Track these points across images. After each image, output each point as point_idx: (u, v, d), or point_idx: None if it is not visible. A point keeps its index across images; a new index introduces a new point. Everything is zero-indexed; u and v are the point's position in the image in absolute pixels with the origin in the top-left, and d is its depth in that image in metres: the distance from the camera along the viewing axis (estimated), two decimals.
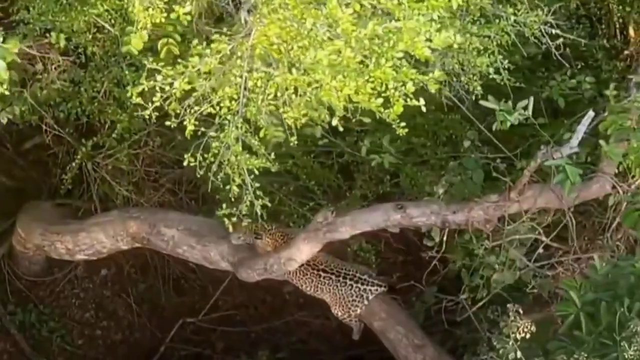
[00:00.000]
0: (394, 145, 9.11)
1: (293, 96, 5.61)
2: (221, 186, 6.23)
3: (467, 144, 7.73)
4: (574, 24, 8.87)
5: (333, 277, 8.07)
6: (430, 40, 5.00)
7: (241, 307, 10.36)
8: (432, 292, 8.50)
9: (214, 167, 5.97)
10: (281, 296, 10.30)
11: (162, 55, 6.56)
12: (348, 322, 8.20)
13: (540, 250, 7.52)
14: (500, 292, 7.63)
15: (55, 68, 8.74)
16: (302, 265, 7.95)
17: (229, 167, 5.89)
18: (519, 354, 5.23)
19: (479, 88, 6.66)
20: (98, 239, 8.56)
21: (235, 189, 6.01)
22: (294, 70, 5.31)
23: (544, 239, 7.48)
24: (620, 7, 9.31)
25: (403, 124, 5.40)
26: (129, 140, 9.40)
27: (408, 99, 5.30)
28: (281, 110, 5.63)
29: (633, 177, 7.34)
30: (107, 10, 7.52)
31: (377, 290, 8.09)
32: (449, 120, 8.83)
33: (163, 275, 10.21)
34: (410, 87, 5.26)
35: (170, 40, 6.64)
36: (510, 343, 5.22)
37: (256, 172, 5.95)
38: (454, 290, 8.29)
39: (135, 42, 6.50)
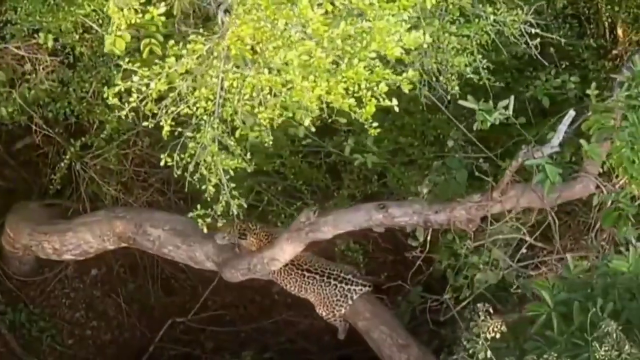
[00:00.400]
0: (382, 145, 9.15)
1: (268, 96, 5.61)
2: (199, 186, 6.26)
3: (450, 143, 7.72)
4: (560, 24, 8.89)
5: (317, 276, 8.07)
6: (402, 41, 4.98)
7: (230, 307, 10.36)
8: (418, 291, 8.50)
9: (191, 168, 5.96)
10: (270, 296, 10.30)
11: (144, 55, 6.58)
12: (333, 322, 8.21)
13: (524, 250, 7.50)
14: (486, 292, 7.63)
15: (43, 68, 8.78)
16: (287, 265, 7.96)
17: (204, 167, 5.88)
18: (489, 353, 5.21)
19: (456, 88, 6.65)
20: (85, 239, 8.59)
21: (211, 189, 6.00)
22: (266, 71, 5.30)
23: (527, 238, 7.47)
24: (609, 7, 9.32)
25: (376, 124, 5.37)
26: (117, 140, 9.43)
27: (381, 99, 5.27)
28: (256, 110, 5.61)
29: (617, 177, 7.33)
30: (94, 11, 7.52)
31: (361, 290, 8.10)
32: (436, 120, 8.85)
33: (153, 275, 10.23)
34: (383, 87, 5.25)
35: (153, 40, 6.67)
36: (480, 343, 5.21)
37: (231, 172, 5.94)
38: (441, 290, 8.29)
39: (118, 43, 6.52)
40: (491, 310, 5.37)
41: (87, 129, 9.55)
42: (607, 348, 4.95)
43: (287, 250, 7.65)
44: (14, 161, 10.30)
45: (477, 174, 7.40)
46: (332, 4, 5.21)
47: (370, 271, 9.45)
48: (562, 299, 5.55)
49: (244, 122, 5.85)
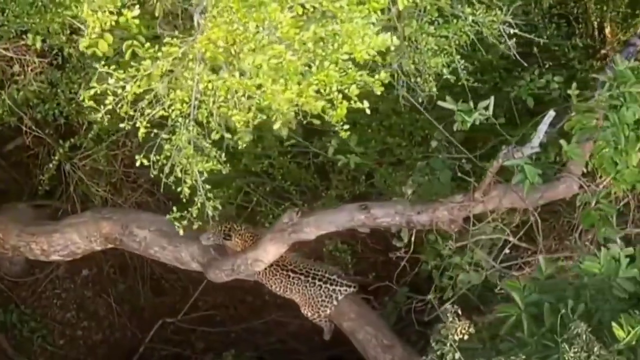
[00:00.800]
0: (369, 145, 9.16)
1: (243, 99, 5.62)
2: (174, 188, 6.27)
3: (434, 144, 7.70)
4: (546, 24, 8.87)
5: (302, 277, 8.08)
6: (370, 43, 4.98)
7: (221, 307, 10.39)
8: (404, 292, 8.49)
9: (167, 169, 5.98)
10: (261, 297, 10.30)
11: (127, 57, 6.60)
12: (318, 323, 8.22)
13: (508, 250, 7.49)
14: (471, 293, 7.63)
15: (32, 69, 8.80)
16: (272, 265, 7.97)
17: (179, 169, 5.89)
18: (457, 355, 5.21)
19: (434, 89, 6.64)
20: (72, 240, 8.59)
21: (186, 190, 6.02)
22: (237, 74, 5.31)
23: (511, 239, 7.46)
24: (598, 7, 9.30)
25: (347, 126, 5.38)
26: (106, 141, 9.45)
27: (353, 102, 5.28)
28: (230, 113, 5.62)
29: (600, 177, 7.32)
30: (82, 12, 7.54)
31: (346, 290, 8.10)
32: (423, 121, 8.83)
33: (143, 275, 10.26)
34: (354, 89, 5.26)
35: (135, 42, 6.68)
36: (449, 344, 5.20)
37: (206, 174, 5.96)
38: (428, 290, 8.27)
39: (101, 45, 6.54)
40: (460, 312, 5.36)
41: (77, 130, 9.58)
42: (576, 349, 4.94)
43: (270, 251, 7.66)
44: (5, 162, 10.33)
45: (469, 173, 7.37)
46: (303, 6, 5.21)
47: (360, 271, 9.47)
48: (533, 300, 5.54)
49: (219, 124, 5.86)
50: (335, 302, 8.07)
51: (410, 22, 6.33)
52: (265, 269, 7.97)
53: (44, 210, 9.67)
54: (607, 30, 9.27)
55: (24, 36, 8.05)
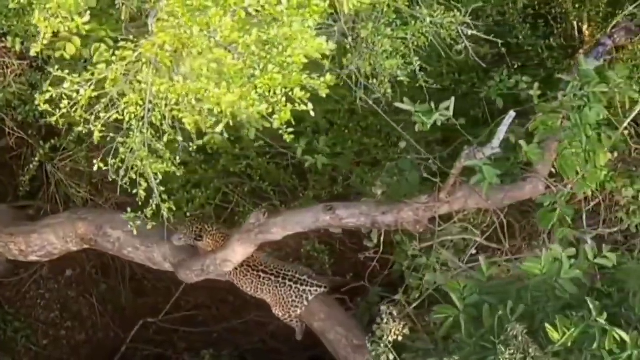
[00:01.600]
0: (347, 146, 9.19)
1: (194, 101, 5.66)
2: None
3: (403, 145, 7.70)
4: (521, 24, 8.85)
5: (272, 277, 8.11)
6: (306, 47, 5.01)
7: (203, 307, 10.43)
8: (377, 292, 8.49)
9: (122, 172, 6.04)
10: (242, 297, 10.27)
11: (95, 59, 6.65)
12: (289, 323, 8.25)
13: (474, 251, 7.49)
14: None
15: (12, 72, 8.88)
16: (243, 266, 8.01)
17: (133, 172, 5.95)
18: (391, 356, 5.22)
19: (389, 90, 6.65)
20: (49, 241, 8.65)
21: (142, 192, 6.08)
22: (181, 78, 5.35)
23: (478, 239, 7.47)
24: (577, 7, 9.26)
25: (290, 129, 5.40)
26: (87, 142, 9.50)
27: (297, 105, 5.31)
28: (181, 115, 5.67)
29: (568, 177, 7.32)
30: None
31: (316, 290, 8.13)
32: (398, 122, 8.83)
33: (126, 276, 10.32)
34: (298, 92, 5.28)
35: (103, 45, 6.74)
36: (383, 345, 5.22)
37: (159, 175, 6.01)
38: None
39: (69, 48, 6.62)
40: (395, 313, 5.37)
41: (59, 132, 9.65)
42: (512, 351, 4.95)
43: (238, 251, 7.70)
44: None
45: (436, 174, 7.38)
46: (246, 10, 5.25)
47: (339, 271, 9.47)
48: (473, 302, 5.54)
49: (172, 127, 5.90)
50: (305, 303, 8.09)
51: (367, 24, 6.33)
52: (236, 269, 8.01)
53: (25, 211, 9.74)
54: (585, 30, 9.23)
55: (3, 39, 8.13)
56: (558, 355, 5.11)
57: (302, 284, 8.11)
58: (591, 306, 5.16)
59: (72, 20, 5.67)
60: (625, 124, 7.66)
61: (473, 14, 8.84)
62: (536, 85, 6.99)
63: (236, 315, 10.31)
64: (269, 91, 5.30)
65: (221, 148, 9.17)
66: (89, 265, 10.31)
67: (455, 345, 5.57)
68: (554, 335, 5.07)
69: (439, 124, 6.84)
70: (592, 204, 7.76)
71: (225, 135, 6.99)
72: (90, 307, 10.35)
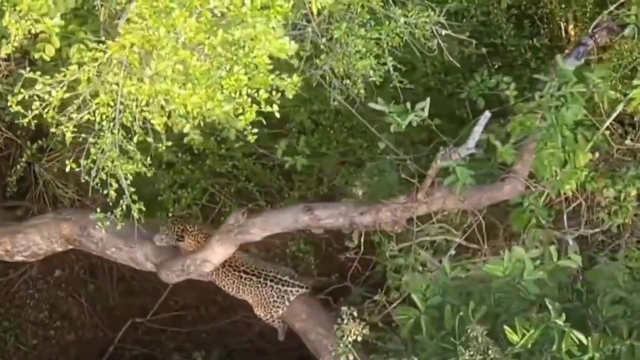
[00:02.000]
0: (331, 146, 9.20)
1: (163, 102, 5.68)
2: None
3: (382, 145, 7.70)
4: (506, 24, 8.84)
5: (254, 278, 8.12)
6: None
7: (191, 307, 10.45)
8: (359, 292, 8.49)
9: (93, 173, 6.06)
10: (230, 297, 10.32)
11: (73, 60, 6.68)
12: (271, 323, 8.27)
13: (453, 252, 7.48)
14: None
15: None
16: (224, 266, 8.03)
17: (104, 172, 5.97)
18: (350, 357, 5.23)
19: (362, 91, 6.64)
20: (34, 241, 8.68)
21: (112, 193, 6.11)
22: (147, 80, 5.37)
23: (457, 240, 7.46)
24: (563, 7, 9.24)
25: (255, 130, 5.42)
26: (73, 143, 9.50)
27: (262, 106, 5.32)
28: (150, 117, 5.69)
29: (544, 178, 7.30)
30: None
31: (298, 291, 8.14)
32: (381, 122, 8.83)
33: (115, 276, 10.34)
34: (264, 93, 5.29)
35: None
36: (342, 345, 5.23)
37: (130, 176, 6.03)
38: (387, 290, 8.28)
39: (48, 49, 6.64)
40: (355, 314, 5.38)
41: (47, 132, 9.67)
42: (472, 352, 4.94)
43: (218, 251, 7.72)
44: None
45: (407, 176, 7.39)
46: (212, 12, 5.26)
47: (325, 272, 9.47)
48: (436, 303, 5.54)
49: (143, 128, 5.92)
50: (287, 303, 8.10)
51: (341, 24, 6.33)
52: (218, 269, 8.03)
53: (13, 211, 9.78)
54: (571, 30, 9.22)
55: None
56: (519, 356, 5.10)
57: (283, 285, 8.11)
58: (550, 307, 5.16)
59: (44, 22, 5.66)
60: (607, 124, 7.66)
61: (458, 14, 8.94)
62: (512, 85, 6.99)
63: (224, 316, 10.33)
64: (235, 92, 5.30)
65: (207, 148, 9.21)
66: (78, 265, 10.34)
67: (418, 347, 5.56)
68: (513, 337, 5.06)
69: (416, 124, 6.81)
70: (573, 204, 7.74)
71: (200, 136, 7.23)
72: (79, 307, 10.38)
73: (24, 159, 9.52)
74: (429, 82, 9.08)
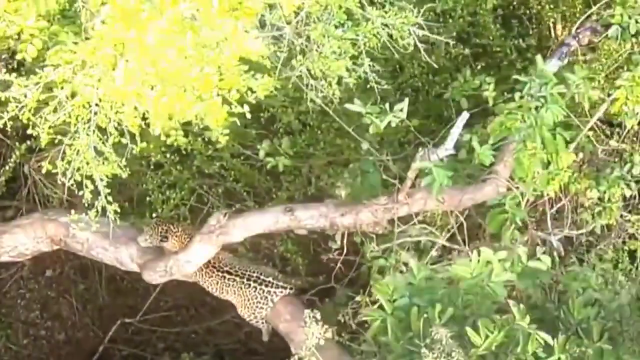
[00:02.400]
0: (318, 147, 9.19)
1: (135, 104, 5.69)
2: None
3: (365, 146, 7.70)
4: (494, 24, 8.83)
5: (237, 278, 8.13)
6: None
7: (181, 307, 10.47)
8: (345, 293, 8.48)
9: (69, 174, 6.09)
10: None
11: (49, 62, 6.70)
12: (255, 324, 8.27)
13: (435, 253, 7.48)
14: None
15: None
16: (207, 267, 8.04)
17: (79, 174, 6.00)
18: (313, 359, 5.23)
19: (337, 92, 6.64)
20: (20, 241, 8.69)
21: (88, 195, 6.13)
22: (118, 81, 5.38)
23: (439, 241, 7.47)
24: (552, 7, 9.22)
25: (226, 131, 5.43)
26: (63, 143, 9.53)
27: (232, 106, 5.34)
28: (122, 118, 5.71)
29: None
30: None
31: (282, 292, 8.14)
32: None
33: (105, 276, 10.37)
34: (234, 94, 5.31)
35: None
36: (305, 348, 5.23)
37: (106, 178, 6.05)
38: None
39: (30, 50, 6.67)
40: (318, 317, 5.38)
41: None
42: (435, 355, 4.94)
43: (199, 252, 7.74)
44: None
45: (388, 176, 7.40)
46: (182, 13, 5.27)
47: (313, 272, 9.47)
48: (403, 305, 5.53)
49: (116, 129, 5.94)
50: (271, 304, 8.11)
51: (317, 25, 6.34)
52: (201, 270, 8.04)
53: (3, 211, 9.82)
54: (559, 31, 9.19)
55: None
56: (484, 358, 5.10)
57: (266, 285, 8.12)
58: (514, 310, 5.16)
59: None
60: (590, 125, 7.65)
61: (445, 14, 8.94)
62: (492, 86, 6.97)
63: (214, 316, 10.34)
64: (206, 93, 5.32)
65: (195, 149, 9.23)
66: (68, 265, 10.37)
67: (387, 349, 5.56)
68: (476, 339, 5.06)
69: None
70: (556, 206, 7.74)
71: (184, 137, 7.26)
72: (70, 307, 10.40)
73: (12, 160, 9.53)
74: (415, 83, 9.08)
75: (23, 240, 8.71)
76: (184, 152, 9.14)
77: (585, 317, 5.61)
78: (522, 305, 5.21)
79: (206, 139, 9.06)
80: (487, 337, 5.06)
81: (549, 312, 5.55)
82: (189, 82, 5.33)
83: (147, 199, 9.34)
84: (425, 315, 5.23)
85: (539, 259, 6.04)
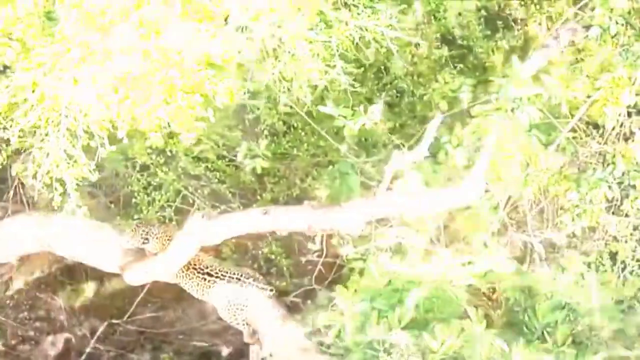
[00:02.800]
0: (302, 148, 9.18)
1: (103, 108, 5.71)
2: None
3: (344, 148, 7.69)
4: (479, 26, 8.81)
5: (218, 280, 8.12)
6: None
7: (169, 308, 10.45)
8: (326, 295, 8.44)
9: (39, 177, 6.11)
10: None
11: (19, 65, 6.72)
12: (236, 326, 8.27)
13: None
14: None
15: None
16: (188, 269, 8.05)
17: (48, 176, 6.02)
18: None
19: (309, 95, 6.63)
20: (6, 242, 8.75)
21: (58, 197, 6.16)
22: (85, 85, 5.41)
23: (415, 243, 7.43)
24: (537, 8, 9.18)
25: (192, 135, 5.44)
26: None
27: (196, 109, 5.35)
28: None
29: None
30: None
31: (262, 294, 8.13)
32: None
33: (93, 277, 10.36)
34: (198, 98, 5.33)
35: None
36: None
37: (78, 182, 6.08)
38: None
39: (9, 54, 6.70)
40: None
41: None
42: (393, 359, 4.92)
43: (179, 253, 7.76)
44: None
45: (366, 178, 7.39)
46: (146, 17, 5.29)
47: (298, 273, 9.46)
48: (362, 309, 5.50)
49: (85, 132, 5.96)
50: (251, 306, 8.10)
51: (288, 27, 6.33)
52: (182, 272, 8.06)
53: None
54: (544, 31, 9.14)
55: None
56: None
57: (247, 287, 8.11)
58: (471, 314, 5.13)
59: None
60: (570, 126, 7.62)
61: (428, 16, 8.92)
62: (467, 88, 6.94)
63: (201, 317, 10.32)
64: (170, 96, 5.34)
65: (180, 150, 9.22)
66: (55, 267, 10.37)
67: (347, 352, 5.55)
68: (430, 343, 5.04)
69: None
70: (536, 207, 7.71)
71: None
72: (59, 307, 10.40)
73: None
74: (400, 84, 9.05)
75: (8, 241, 8.75)
76: (169, 153, 9.16)
77: (552, 321, 5.58)
78: (480, 310, 5.19)
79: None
80: (444, 342, 5.05)
81: (515, 316, 5.52)
82: (153, 86, 5.35)
83: (133, 200, 9.35)
84: (384, 319, 5.22)
85: (505, 263, 6.00)
